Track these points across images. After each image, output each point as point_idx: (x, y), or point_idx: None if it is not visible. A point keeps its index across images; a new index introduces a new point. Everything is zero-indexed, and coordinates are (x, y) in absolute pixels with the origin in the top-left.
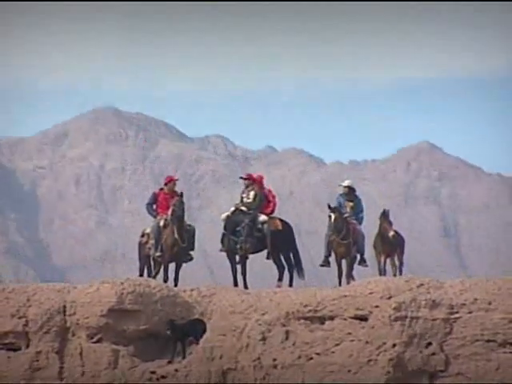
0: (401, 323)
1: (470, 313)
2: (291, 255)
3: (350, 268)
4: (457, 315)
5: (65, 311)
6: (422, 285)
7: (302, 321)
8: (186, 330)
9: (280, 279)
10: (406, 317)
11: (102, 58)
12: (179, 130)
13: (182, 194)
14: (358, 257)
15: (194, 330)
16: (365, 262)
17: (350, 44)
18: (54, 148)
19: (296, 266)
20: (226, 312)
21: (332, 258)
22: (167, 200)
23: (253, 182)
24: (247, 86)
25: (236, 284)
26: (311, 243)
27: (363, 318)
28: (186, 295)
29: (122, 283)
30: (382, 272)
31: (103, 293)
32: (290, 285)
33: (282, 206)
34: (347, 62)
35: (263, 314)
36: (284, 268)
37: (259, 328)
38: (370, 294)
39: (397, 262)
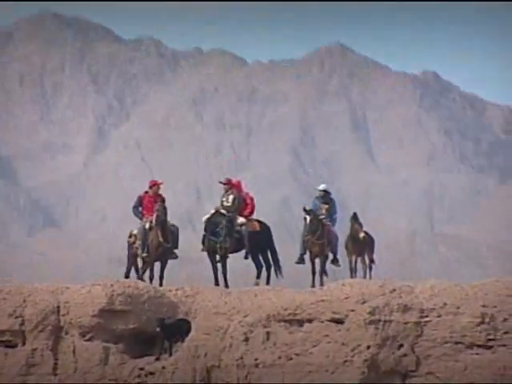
0: (375, 326)
1: (439, 316)
2: (269, 255)
3: (323, 266)
4: (427, 319)
5: (59, 311)
6: (394, 290)
7: (282, 323)
8: (173, 329)
9: (258, 277)
10: (379, 320)
11: None
12: (115, 32)
13: (163, 199)
14: (332, 256)
15: (180, 329)
16: (337, 261)
17: None
18: None
19: (274, 265)
20: (210, 313)
21: (307, 256)
22: (151, 203)
23: (232, 186)
24: None
25: (217, 283)
26: (233, 136)
27: (339, 321)
28: (171, 295)
29: (112, 285)
30: (354, 270)
31: (95, 294)
32: (267, 283)
33: (207, 101)
34: None
35: (245, 316)
36: (262, 267)
37: (242, 329)
38: (346, 298)
39: (367, 261)
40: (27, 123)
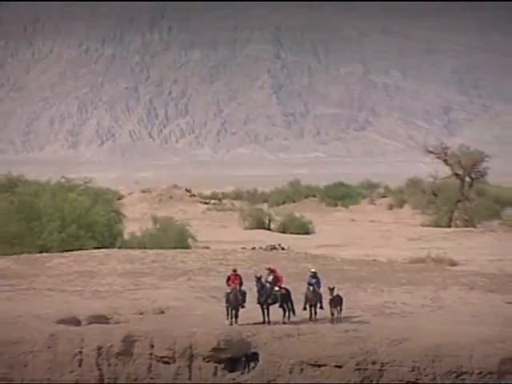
0: (359, 372)
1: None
2: (289, 305)
3: (316, 310)
4: (384, 368)
5: (191, 347)
6: (367, 351)
7: (309, 365)
8: (250, 358)
9: (284, 317)
10: (362, 368)
11: None
12: None
13: (241, 277)
14: (319, 305)
15: (254, 358)
16: (322, 307)
17: None
18: None
19: (291, 310)
20: (269, 352)
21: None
22: (234, 279)
23: (271, 271)
24: None
25: (264, 320)
26: None
27: (340, 367)
28: (245, 335)
29: (219, 334)
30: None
31: (209, 339)
32: (288, 318)
33: None
34: None
35: (290, 359)
36: (285, 311)
37: (288, 366)
38: (344, 354)
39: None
40: None
